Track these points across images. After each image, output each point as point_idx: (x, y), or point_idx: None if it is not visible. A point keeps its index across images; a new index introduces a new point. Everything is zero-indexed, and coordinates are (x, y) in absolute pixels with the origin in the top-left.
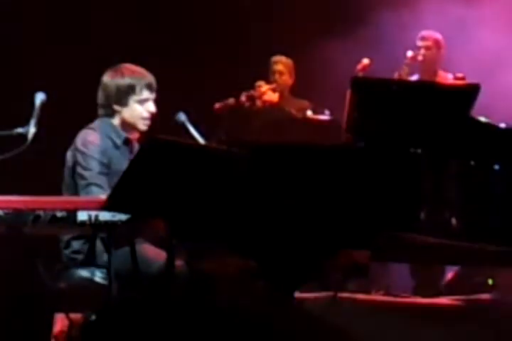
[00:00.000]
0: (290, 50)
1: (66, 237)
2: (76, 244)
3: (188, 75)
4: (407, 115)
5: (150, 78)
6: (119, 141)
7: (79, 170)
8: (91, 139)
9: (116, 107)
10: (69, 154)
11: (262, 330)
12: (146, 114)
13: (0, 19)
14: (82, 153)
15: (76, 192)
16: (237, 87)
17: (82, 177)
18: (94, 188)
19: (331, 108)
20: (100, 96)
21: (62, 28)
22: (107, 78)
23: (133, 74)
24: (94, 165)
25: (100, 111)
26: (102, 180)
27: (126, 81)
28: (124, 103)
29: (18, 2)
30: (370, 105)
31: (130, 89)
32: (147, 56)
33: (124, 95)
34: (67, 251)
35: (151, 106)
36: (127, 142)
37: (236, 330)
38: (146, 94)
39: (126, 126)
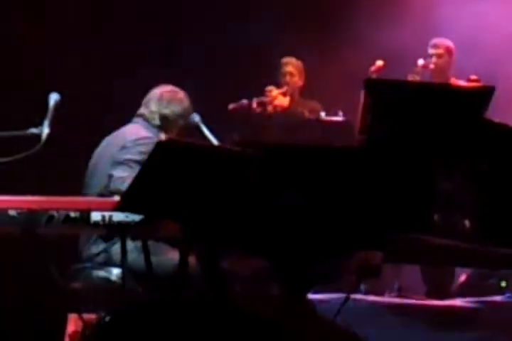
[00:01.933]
0: (299, 51)
1: (94, 236)
2: (102, 245)
3: (201, 77)
4: (421, 117)
5: None
6: None
7: (123, 152)
8: (147, 135)
9: (174, 129)
10: (114, 150)
11: (274, 331)
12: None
13: (13, 19)
14: (136, 140)
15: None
16: (251, 87)
17: (122, 158)
18: (125, 167)
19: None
20: (169, 111)
21: (78, 27)
22: (186, 102)
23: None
24: (139, 153)
25: (157, 120)
26: (136, 167)
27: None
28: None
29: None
30: (383, 107)
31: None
32: (161, 58)
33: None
34: (93, 249)
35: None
36: None
37: (249, 330)
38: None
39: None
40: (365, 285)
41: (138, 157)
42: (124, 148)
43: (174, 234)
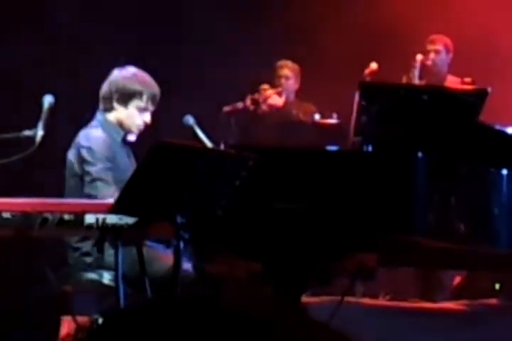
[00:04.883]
0: (296, 54)
1: (73, 242)
2: (85, 246)
3: (195, 78)
4: (415, 119)
5: (157, 90)
6: (118, 139)
7: (85, 166)
8: (95, 135)
9: (115, 105)
10: (71, 153)
11: (267, 334)
12: (140, 123)
13: (4, 22)
14: (88, 149)
15: (79, 192)
16: (245, 90)
17: (88, 173)
18: (99, 183)
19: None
20: (105, 89)
21: (71, 30)
22: (119, 75)
23: (144, 82)
24: (100, 160)
25: (100, 105)
26: (108, 175)
27: (136, 86)
28: (124, 104)
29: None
30: (377, 109)
31: (137, 94)
32: (155, 58)
33: (128, 97)
34: (75, 254)
35: (147, 117)
36: (125, 141)
37: (242, 334)
38: (148, 104)
39: (121, 125)
40: (359, 288)
41: (98, 162)
42: (84, 161)
43: (168, 237)
